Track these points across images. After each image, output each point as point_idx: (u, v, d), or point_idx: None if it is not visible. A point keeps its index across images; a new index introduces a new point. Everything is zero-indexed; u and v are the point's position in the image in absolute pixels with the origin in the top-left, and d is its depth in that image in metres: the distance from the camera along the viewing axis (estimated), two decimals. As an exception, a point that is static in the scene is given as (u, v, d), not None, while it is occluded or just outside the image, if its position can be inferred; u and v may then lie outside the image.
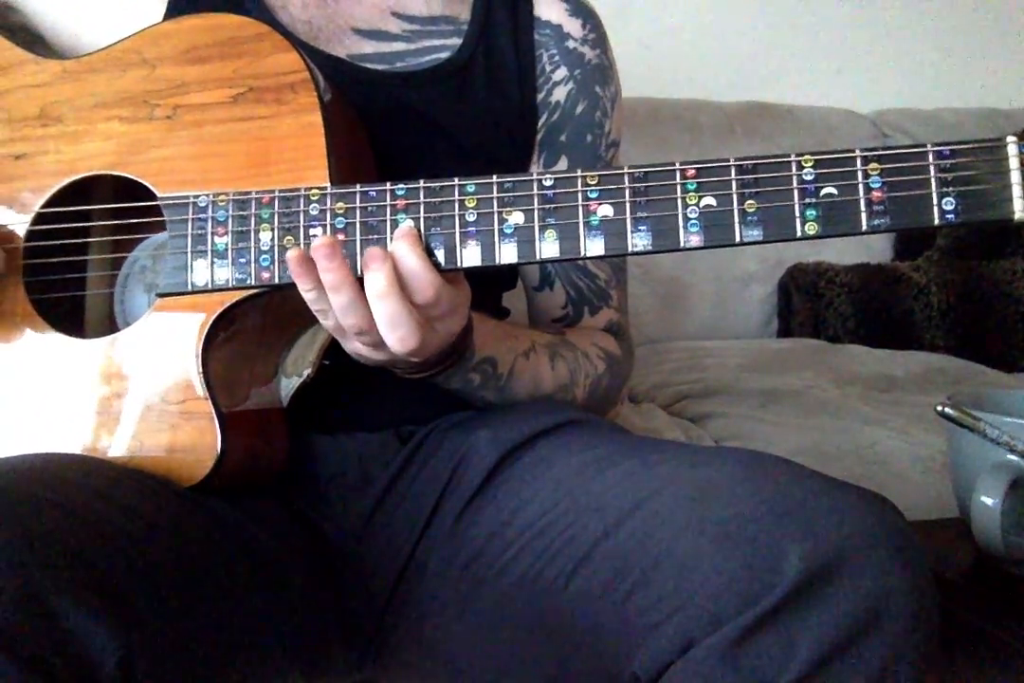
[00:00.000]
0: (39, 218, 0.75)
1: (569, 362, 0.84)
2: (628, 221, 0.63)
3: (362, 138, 0.78)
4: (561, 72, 0.91)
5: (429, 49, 0.87)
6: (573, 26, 0.92)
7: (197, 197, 0.69)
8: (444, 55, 0.87)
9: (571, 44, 0.91)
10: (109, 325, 0.80)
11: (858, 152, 0.61)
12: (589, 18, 0.93)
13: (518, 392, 0.81)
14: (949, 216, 0.60)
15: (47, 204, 0.75)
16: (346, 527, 0.80)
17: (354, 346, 0.68)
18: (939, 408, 0.89)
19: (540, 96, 0.90)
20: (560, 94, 0.91)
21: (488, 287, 0.92)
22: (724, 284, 1.96)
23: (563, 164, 0.91)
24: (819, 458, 1.21)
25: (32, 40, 0.85)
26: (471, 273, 0.68)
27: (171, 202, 0.70)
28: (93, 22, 0.83)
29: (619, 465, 0.68)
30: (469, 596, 0.70)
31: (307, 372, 0.75)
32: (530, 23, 0.91)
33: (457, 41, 0.88)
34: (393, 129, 0.82)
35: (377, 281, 0.63)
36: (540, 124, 0.91)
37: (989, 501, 0.84)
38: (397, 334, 0.63)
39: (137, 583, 0.57)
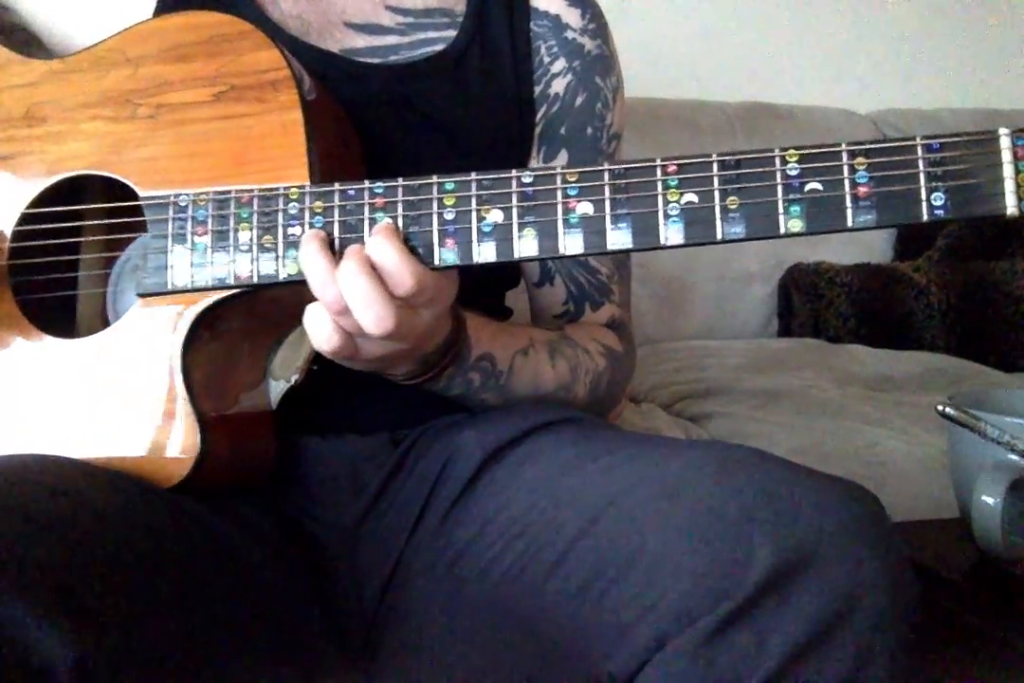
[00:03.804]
0: (24, 219, 0.75)
1: (569, 359, 0.82)
2: (607, 219, 0.62)
3: (349, 136, 0.77)
4: (560, 63, 0.89)
5: (423, 42, 0.86)
6: (572, 16, 0.90)
7: (178, 196, 0.69)
8: (438, 47, 0.85)
9: (570, 35, 0.89)
10: (101, 325, 0.79)
11: (844, 146, 0.59)
12: (589, 8, 0.91)
13: (519, 391, 0.79)
14: (938, 211, 0.58)
15: (33, 205, 0.75)
16: (337, 530, 0.79)
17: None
18: (939, 408, 0.90)
19: (538, 88, 0.88)
20: (559, 86, 0.89)
21: (490, 285, 0.91)
22: (724, 284, 1.96)
23: (563, 158, 0.89)
24: (819, 458, 1.20)
25: (27, 40, 0.85)
26: (470, 271, 0.67)
27: (152, 202, 0.70)
28: (85, 21, 0.83)
29: (598, 461, 0.67)
30: (454, 596, 0.70)
31: (296, 377, 0.74)
32: (527, 14, 0.89)
33: (452, 33, 0.86)
34: (388, 123, 0.81)
35: (349, 266, 0.62)
36: (539, 117, 0.89)
37: (989, 501, 0.84)
38: (371, 313, 0.61)
39: (98, 586, 0.55)
